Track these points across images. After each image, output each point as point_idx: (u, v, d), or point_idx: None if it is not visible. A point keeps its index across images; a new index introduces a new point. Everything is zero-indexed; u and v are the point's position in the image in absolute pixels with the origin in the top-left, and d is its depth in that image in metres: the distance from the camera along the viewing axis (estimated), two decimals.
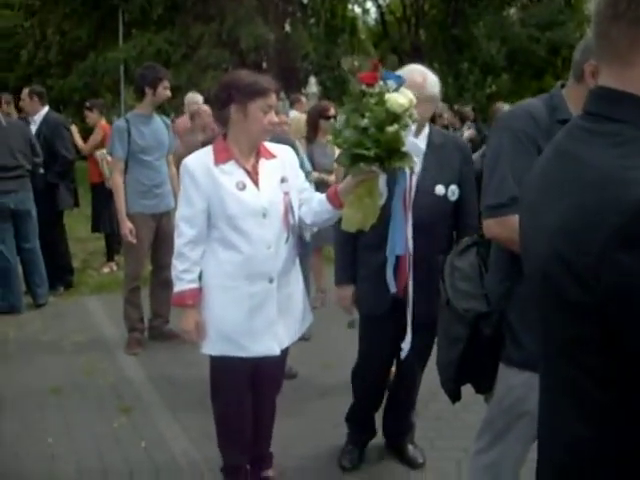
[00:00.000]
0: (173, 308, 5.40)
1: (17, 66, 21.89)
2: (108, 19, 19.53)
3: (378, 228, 2.97)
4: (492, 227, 2.16)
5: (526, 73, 22.50)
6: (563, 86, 2.25)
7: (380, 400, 3.56)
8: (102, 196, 7.60)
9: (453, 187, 3.11)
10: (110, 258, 8.03)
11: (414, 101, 2.60)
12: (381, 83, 2.55)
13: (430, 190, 3.08)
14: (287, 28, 20.17)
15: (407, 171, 2.93)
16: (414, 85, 2.94)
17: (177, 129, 6.93)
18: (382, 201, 2.79)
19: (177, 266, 2.92)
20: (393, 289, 3.08)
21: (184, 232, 2.90)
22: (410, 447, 3.60)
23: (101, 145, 7.53)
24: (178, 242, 2.92)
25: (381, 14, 27.49)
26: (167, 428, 4.00)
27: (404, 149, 2.57)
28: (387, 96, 2.52)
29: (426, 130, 3.17)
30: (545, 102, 2.19)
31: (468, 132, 8.84)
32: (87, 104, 8.04)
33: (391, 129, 2.49)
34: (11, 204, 6.04)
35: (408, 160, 2.62)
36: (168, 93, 5.23)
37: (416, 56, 22.24)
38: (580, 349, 1.05)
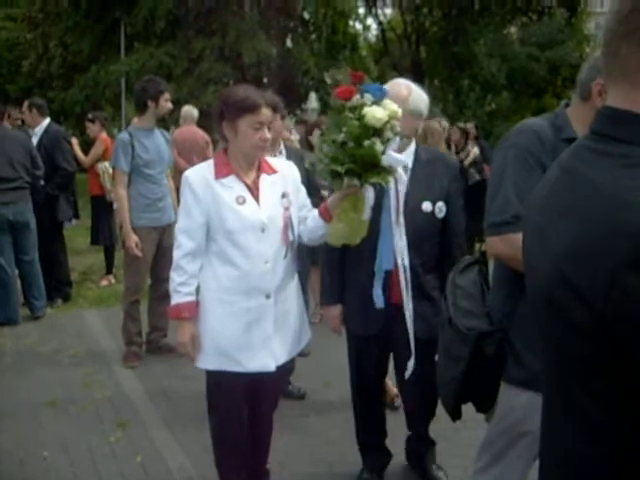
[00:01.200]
0: (171, 322, 5.40)
1: (19, 78, 21.97)
2: (110, 32, 19.61)
3: (367, 245, 2.96)
4: (496, 245, 2.15)
5: (526, 92, 22.59)
6: (567, 105, 2.25)
7: (382, 420, 3.51)
8: (102, 208, 7.66)
9: (440, 204, 3.09)
10: (109, 271, 8.00)
11: (398, 113, 2.59)
12: (357, 97, 2.56)
13: (417, 207, 3.07)
14: (288, 43, 20.25)
15: (392, 186, 2.91)
16: (398, 98, 2.91)
17: (175, 139, 6.97)
18: (367, 215, 2.76)
19: (175, 279, 2.92)
20: (380, 304, 3.05)
21: (182, 244, 2.90)
22: (433, 467, 3.53)
23: (102, 158, 7.55)
24: (176, 254, 2.93)
25: (382, 31, 27.65)
26: (164, 443, 3.97)
27: (383, 163, 2.57)
28: (365, 110, 2.52)
29: (412, 146, 3.16)
30: (550, 121, 2.19)
31: (474, 150, 8.71)
32: (89, 116, 8.03)
33: (367, 143, 2.49)
34: (10, 216, 6.03)
35: (384, 175, 2.62)
36: (170, 105, 5.26)
37: (416, 73, 22.37)
38: (586, 372, 1.03)
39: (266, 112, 2.81)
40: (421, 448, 3.56)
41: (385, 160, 2.58)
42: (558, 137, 2.12)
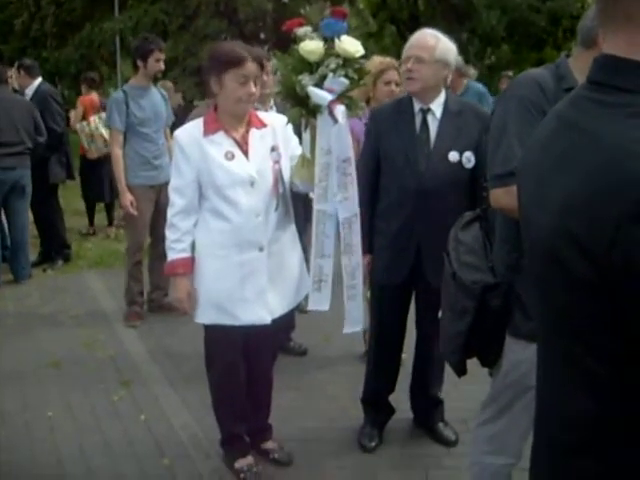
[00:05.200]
0: (173, 280, 5.41)
1: (12, 38, 21.64)
2: None
3: (394, 195, 3.00)
4: (500, 197, 2.12)
5: (526, 44, 22.29)
6: (568, 56, 2.20)
7: (395, 374, 3.51)
8: (85, 167, 8.02)
9: (468, 154, 3.07)
10: (110, 223, 8.36)
11: (350, 52, 2.56)
12: (300, 29, 2.53)
13: (444, 156, 3.07)
14: None
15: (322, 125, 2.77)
16: (425, 47, 3.00)
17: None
18: (304, 151, 2.76)
19: (169, 236, 2.96)
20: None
21: (175, 202, 2.93)
22: (440, 425, 3.53)
23: (83, 118, 7.86)
24: (169, 212, 2.96)
25: None
26: (167, 401, 4.00)
27: (311, 100, 2.55)
28: (301, 43, 2.51)
29: (442, 97, 3.16)
30: (551, 71, 2.15)
31: None
32: (82, 77, 8.18)
33: (293, 76, 2.51)
34: (9, 180, 6.02)
35: (298, 112, 2.63)
36: (160, 65, 5.16)
37: (414, 26, 22.04)
38: (586, 324, 1.02)
39: (251, 66, 2.80)
40: (429, 405, 3.57)
41: (312, 97, 2.56)
42: (560, 87, 2.07)
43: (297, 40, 2.59)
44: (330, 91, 2.59)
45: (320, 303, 2.89)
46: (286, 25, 2.64)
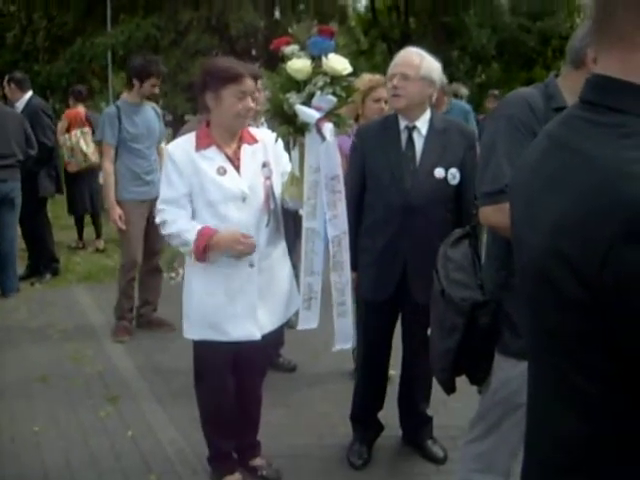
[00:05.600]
0: (162, 296, 5.40)
1: (4, 51, 21.63)
2: (96, 4, 19.28)
3: (380, 212, 3.00)
4: (489, 214, 2.14)
5: (516, 63, 22.50)
6: (557, 76, 2.23)
7: (383, 391, 3.51)
8: (69, 180, 8.02)
9: (453, 171, 3.11)
10: (98, 235, 8.42)
11: (338, 70, 2.58)
12: (287, 48, 2.55)
13: (429, 172, 3.10)
14: (277, 15, 20.02)
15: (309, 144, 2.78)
16: (410, 65, 3.02)
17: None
18: (293, 169, 2.77)
19: (171, 232, 2.88)
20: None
21: (167, 210, 2.88)
22: (429, 442, 3.53)
23: (67, 131, 7.94)
24: (158, 218, 2.92)
25: (371, 2, 27.34)
26: (154, 417, 3.98)
27: (300, 118, 2.55)
28: (289, 61, 2.53)
29: (427, 114, 3.19)
30: (541, 90, 2.18)
31: None
32: (70, 90, 8.27)
33: (280, 94, 2.51)
34: (0, 193, 6.01)
35: (286, 130, 2.62)
36: (155, 90, 5.17)
37: (405, 44, 22.17)
38: (577, 346, 1.02)
39: (249, 82, 2.83)
40: (417, 422, 3.57)
41: (299, 115, 2.56)
42: (549, 106, 2.10)
43: (285, 58, 2.61)
44: (318, 109, 2.60)
45: (310, 321, 2.89)
46: (274, 43, 2.66)
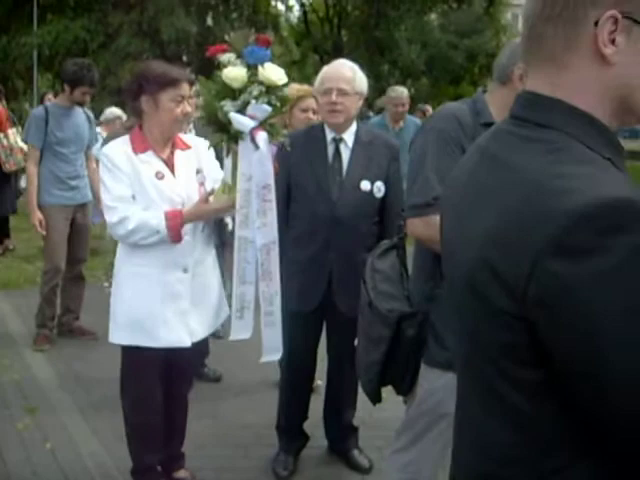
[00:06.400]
0: (84, 303, 5.26)
1: None
2: (22, 2, 18.76)
3: (306, 223, 3.00)
4: (416, 226, 2.17)
5: (444, 78, 23.03)
6: (485, 92, 2.29)
7: (307, 402, 3.51)
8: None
9: (379, 184, 3.15)
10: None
11: (273, 80, 2.59)
12: (223, 55, 2.56)
13: (356, 185, 3.13)
14: (209, 21, 19.93)
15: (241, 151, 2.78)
16: (344, 79, 3.03)
17: None
18: (225, 176, 2.77)
19: (127, 226, 2.77)
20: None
21: (119, 207, 2.78)
22: (355, 452, 3.52)
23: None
24: (116, 216, 2.78)
25: (304, 13, 27.56)
26: (75, 429, 3.85)
27: (233, 126, 2.56)
28: (225, 69, 2.53)
29: (353, 127, 3.22)
30: (469, 106, 2.23)
31: None
32: None
33: (215, 102, 2.53)
34: None
35: (219, 137, 2.63)
36: (85, 99, 5.04)
37: (337, 56, 22.34)
38: (504, 357, 1.04)
39: (186, 86, 2.83)
40: (343, 432, 3.57)
41: (233, 123, 2.57)
42: (477, 121, 2.15)
43: (220, 66, 2.59)
44: (252, 118, 2.59)
45: (243, 331, 2.86)
46: (209, 50, 2.64)
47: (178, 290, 2.88)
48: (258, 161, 2.71)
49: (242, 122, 2.57)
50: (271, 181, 2.79)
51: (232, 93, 2.55)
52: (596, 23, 1.01)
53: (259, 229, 2.79)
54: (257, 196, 2.75)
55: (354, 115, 3.18)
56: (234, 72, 2.53)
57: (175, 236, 2.78)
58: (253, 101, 2.56)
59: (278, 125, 2.81)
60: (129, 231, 2.78)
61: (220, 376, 4.57)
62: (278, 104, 2.66)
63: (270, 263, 2.85)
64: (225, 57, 2.57)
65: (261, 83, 2.59)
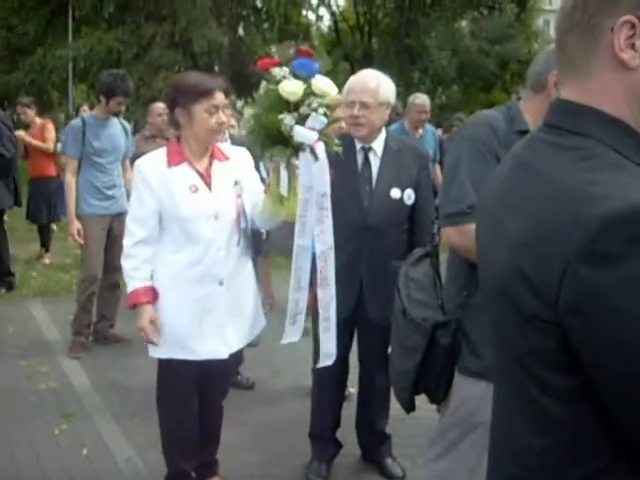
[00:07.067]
0: (119, 312, 5.32)
1: None
2: (57, 15, 19.11)
3: (337, 232, 3.01)
4: (451, 235, 2.17)
5: (475, 85, 22.91)
6: (519, 99, 2.28)
7: (339, 409, 3.52)
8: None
9: (409, 191, 3.16)
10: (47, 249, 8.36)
11: (327, 91, 2.58)
12: (276, 69, 2.55)
13: (385, 193, 3.13)
14: (240, 32, 20.10)
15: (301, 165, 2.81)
16: (367, 90, 3.03)
17: None
18: (284, 191, 2.75)
19: (126, 266, 2.89)
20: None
21: (134, 232, 2.88)
22: (388, 460, 3.52)
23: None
24: (126, 242, 2.91)
25: (335, 22, 27.64)
26: (110, 435, 3.90)
27: (294, 139, 2.55)
28: (281, 83, 2.52)
29: (383, 135, 3.23)
30: (503, 113, 2.22)
31: None
32: (24, 101, 8.11)
33: (272, 116, 2.50)
34: None
35: (284, 151, 2.61)
36: (121, 108, 5.14)
37: (368, 64, 22.42)
38: (537, 363, 1.04)
39: (220, 96, 2.82)
40: (376, 440, 3.56)
41: (295, 135, 2.56)
42: (511, 129, 2.14)
43: (271, 80, 2.57)
44: (312, 129, 2.62)
45: (293, 336, 2.90)
46: (260, 64, 2.61)
47: (214, 303, 2.88)
48: (319, 171, 2.76)
49: (305, 135, 2.58)
50: (328, 190, 2.83)
51: (287, 106, 2.55)
52: (612, 29, 1.02)
53: (317, 236, 2.83)
54: (316, 204, 2.80)
55: (379, 125, 3.18)
56: (291, 85, 2.52)
57: (128, 303, 2.90)
58: (313, 113, 2.57)
59: (331, 135, 2.83)
60: (125, 269, 2.90)
61: (253, 384, 4.59)
62: (330, 114, 2.68)
63: (327, 269, 2.89)
64: (279, 71, 2.56)
65: (315, 95, 2.59)
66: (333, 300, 2.91)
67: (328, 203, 2.83)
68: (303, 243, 2.83)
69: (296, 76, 2.54)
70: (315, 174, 2.74)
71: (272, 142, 2.56)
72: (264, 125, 2.52)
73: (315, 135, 2.60)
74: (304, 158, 2.70)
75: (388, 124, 7.54)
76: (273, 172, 2.70)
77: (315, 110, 2.56)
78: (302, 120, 2.53)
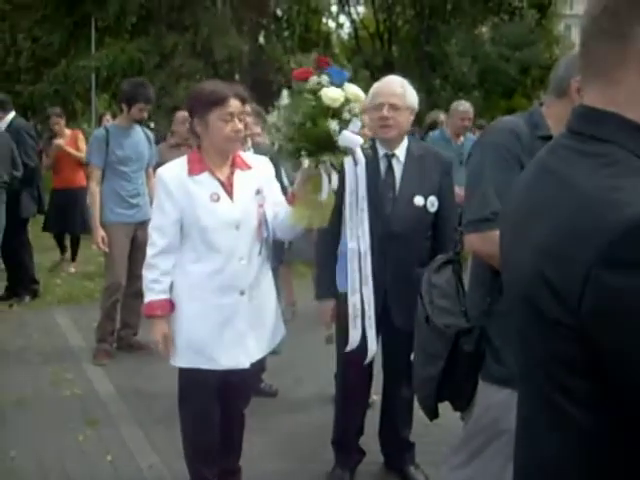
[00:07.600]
0: (143, 319, 5.36)
1: None
2: (81, 26, 19.31)
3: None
4: (474, 242, 2.16)
5: (496, 91, 22.78)
6: (541, 105, 2.28)
7: (363, 417, 3.52)
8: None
9: (432, 198, 3.16)
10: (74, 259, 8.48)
11: (360, 97, 2.60)
12: (315, 78, 2.57)
13: (409, 200, 3.14)
14: (261, 40, 20.19)
15: (349, 168, 2.92)
16: (395, 95, 3.05)
17: None
18: (324, 196, 2.74)
19: (147, 276, 2.91)
20: (342, 287, 3.16)
21: (156, 242, 2.89)
22: (412, 468, 3.51)
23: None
24: (149, 252, 2.91)
25: (355, 29, 27.68)
26: (134, 442, 3.93)
27: (339, 144, 2.55)
28: (322, 90, 2.53)
29: (405, 141, 3.24)
30: (525, 119, 2.21)
31: None
32: (57, 111, 8.15)
33: (321, 123, 2.50)
34: None
35: (338, 155, 2.61)
36: (143, 115, 5.21)
37: (388, 72, 22.35)
38: (561, 369, 1.04)
39: (235, 103, 2.81)
40: (399, 448, 3.56)
41: (341, 140, 2.58)
42: (534, 135, 2.14)
43: (304, 89, 2.58)
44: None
45: (356, 339, 3.00)
46: (297, 75, 2.62)
47: (235, 312, 2.88)
48: (361, 174, 2.88)
49: (352, 139, 2.59)
50: (365, 192, 2.94)
51: (326, 112, 2.56)
52: None
53: (360, 237, 2.87)
54: (358, 206, 2.87)
55: (406, 130, 3.20)
56: (332, 92, 2.53)
57: (144, 313, 2.94)
58: (354, 118, 2.58)
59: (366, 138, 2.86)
60: (146, 278, 2.91)
61: (276, 391, 4.60)
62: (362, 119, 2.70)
63: (367, 268, 3.03)
64: (315, 80, 2.58)
65: (350, 101, 2.61)
66: (372, 297, 3.02)
67: (365, 204, 2.95)
68: (354, 246, 2.98)
69: (332, 84, 2.56)
70: (359, 178, 2.92)
71: (317, 149, 2.56)
72: (309, 133, 2.51)
73: (361, 139, 2.62)
74: (348, 163, 2.76)
75: (429, 131, 7.53)
76: (310, 179, 2.67)
77: (356, 115, 2.58)
78: (345, 125, 2.55)
